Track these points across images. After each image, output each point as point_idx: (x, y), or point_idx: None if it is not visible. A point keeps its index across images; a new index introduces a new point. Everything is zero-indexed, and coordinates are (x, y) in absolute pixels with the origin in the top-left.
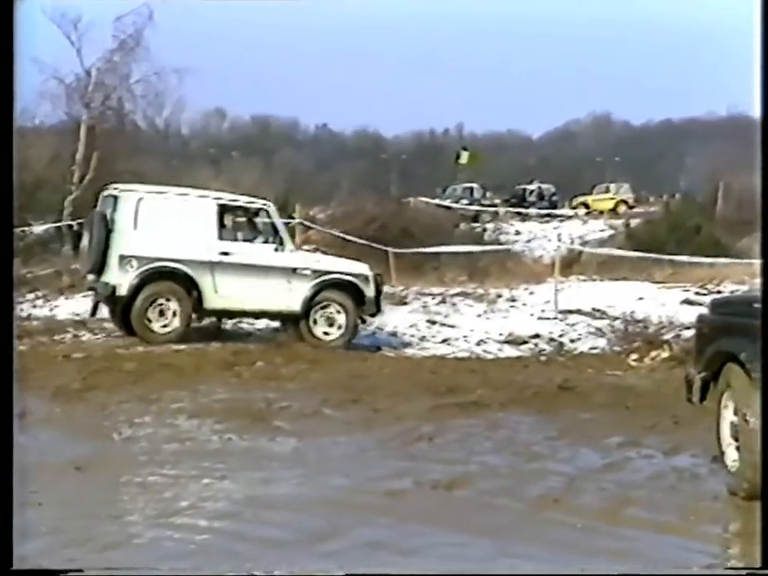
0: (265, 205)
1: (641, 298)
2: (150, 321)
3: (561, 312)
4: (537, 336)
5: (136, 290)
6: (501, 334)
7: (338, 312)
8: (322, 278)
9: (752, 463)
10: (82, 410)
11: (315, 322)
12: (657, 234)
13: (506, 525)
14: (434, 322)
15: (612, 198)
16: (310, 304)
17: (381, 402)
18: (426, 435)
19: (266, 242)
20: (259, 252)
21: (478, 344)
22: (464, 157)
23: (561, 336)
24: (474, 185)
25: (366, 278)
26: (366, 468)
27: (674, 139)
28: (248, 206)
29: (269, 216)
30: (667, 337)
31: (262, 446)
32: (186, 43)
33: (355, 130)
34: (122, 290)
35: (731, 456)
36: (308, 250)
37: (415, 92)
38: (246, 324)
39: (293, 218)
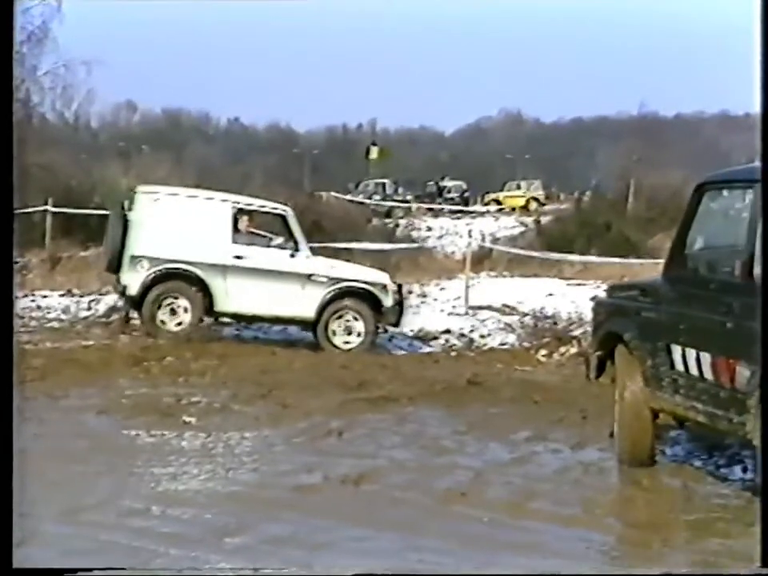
0: (283, 210)
1: (551, 295)
2: (163, 322)
3: (471, 308)
4: (447, 332)
5: (146, 291)
6: (411, 330)
7: (355, 319)
8: (338, 285)
9: (627, 435)
10: None
11: (334, 333)
12: (567, 231)
13: (413, 519)
14: None
15: (523, 195)
16: (324, 311)
17: (290, 397)
18: (335, 430)
19: (281, 247)
20: (274, 257)
21: (389, 339)
22: (373, 152)
23: (471, 332)
24: (387, 180)
25: (383, 287)
26: (274, 463)
27: (584, 137)
28: (264, 209)
29: (285, 221)
30: (576, 333)
31: (170, 441)
32: (96, 35)
33: (267, 124)
34: (132, 290)
35: (615, 428)
36: None
37: (328, 87)
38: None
39: None
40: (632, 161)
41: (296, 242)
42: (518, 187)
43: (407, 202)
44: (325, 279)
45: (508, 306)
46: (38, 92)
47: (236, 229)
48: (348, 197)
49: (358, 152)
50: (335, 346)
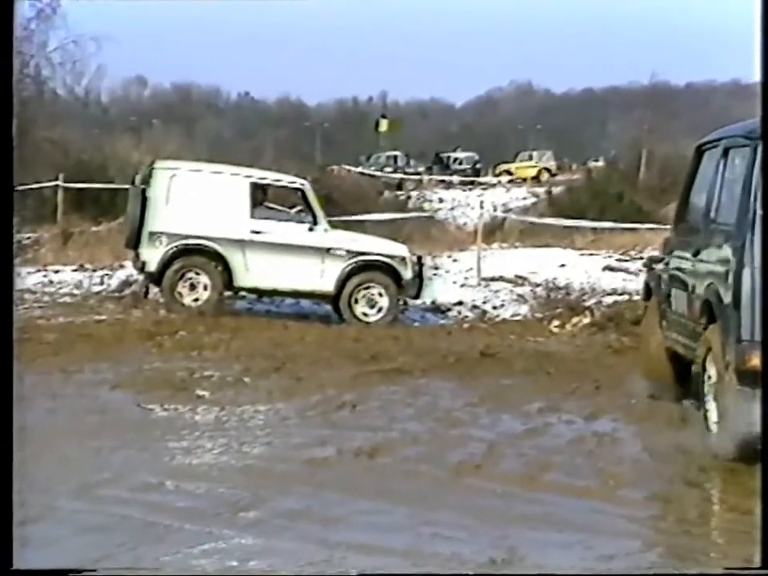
0: (301, 184)
1: (563, 265)
2: (181, 295)
3: (483, 279)
4: (460, 303)
5: (165, 267)
6: (423, 302)
7: (380, 295)
8: (356, 258)
9: (650, 375)
10: None
11: (356, 305)
12: (579, 201)
13: (427, 492)
14: None
15: (535, 166)
16: (345, 284)
17: (303, 370)
18: (349, 403)
19: (300, 221)
20: (292, 231)
21: (401, 312)
22: (383, 124)
23: (483, 303)
24: (398, 153)
25: (402, 260)
26: (287, 436)
27: (595, 107)
28: (282, 184)
29: (303, 195)
30: (589, 303)
31: (183, 415)
32: (105, 11)
33: (278, 98)
34: (151, 266)
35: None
36: None
37: (338, 60)
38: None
39: None
40: (643, 130)
41: (314, 216)
42: (530, 158)
43: (418, 174)
44: (344, 253)
45: (520, 277)
46: (48, 68)
47: (255, 203)
48: (359, 170)
49: (369, 125)
50: (358, 319)
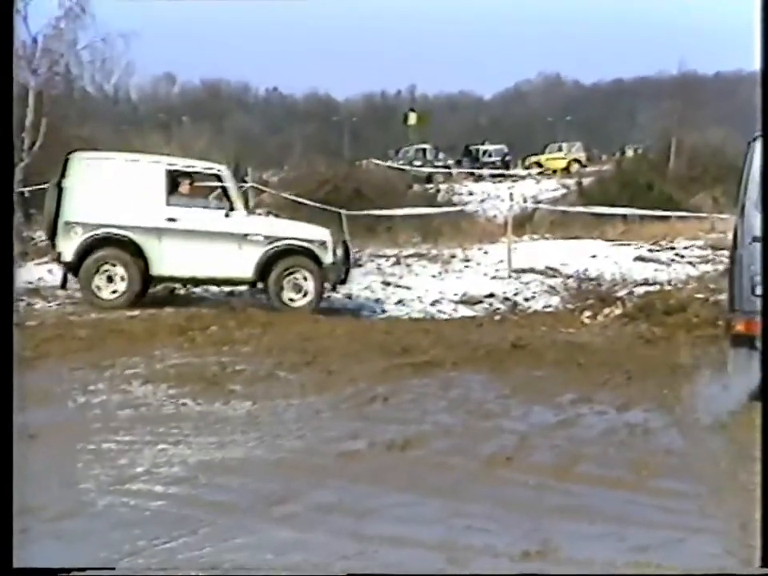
0: (217, 169)
1: (594, 256)
2: (99, 288)
3: (514, 271)
4: (491, 295)
5: (81, 257)
6: (455, 294)
7: (304, 279)
8: (275, 243)
9: None
10: (35, 378)
11: (282, 287)
12: (609, 192)
13: (459, 484)
14: (388, 284)
15: (564, 158)
16: (266, 270)
17: (334, 363)
18: (381, 396)
19: (217, 207)
20: (208, 218)
21: (432, 304)
22: (412, 118)
23: (515, 295)
24: (427, 146)
25: (322, 244)
26: (320, 430)
27: (625, 98)
28: (199, 170)
29: (221, 181)
30: (620, 294)
31: (216, 410)
32: (133, 8)
33: (306, 93)
34: (67, 257)
35: None
36: (260, 214)
37: (366, 54)
38: (200, 289)
39: (245, 181)
40: (672, 120)
41: (231, 202)
42: (559, 149)
43: (448, 167)
44: (261, 238)
45: (551, 269)
46: (78, 66)
47: (174, 191)
48: (388, 163)
49: (397, 119)
50: (286, 305)
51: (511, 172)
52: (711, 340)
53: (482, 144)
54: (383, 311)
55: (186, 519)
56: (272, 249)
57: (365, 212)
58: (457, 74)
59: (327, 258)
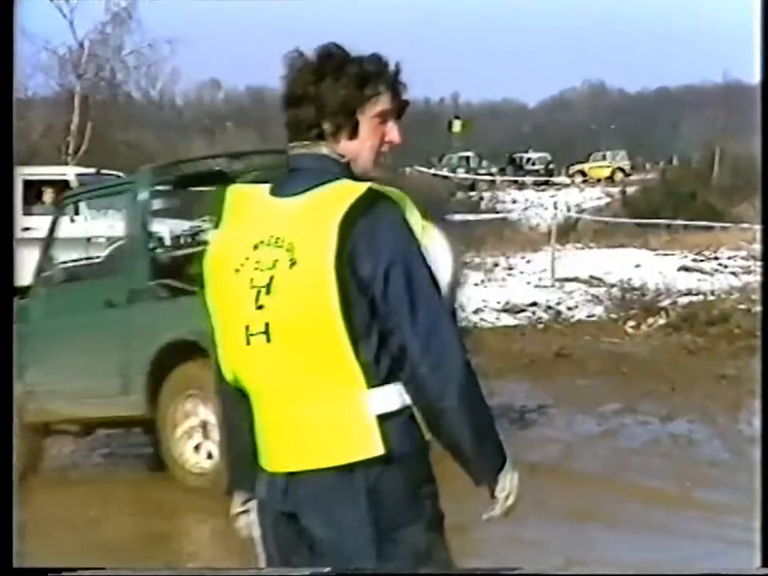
0: (63, 175)
1: (638, 265)
2: None
3: (558, 280)
4: (534, 304)
5: None
6: (498, 303)
7: None
8: (116, 244)
9: None
10: None
11: None
12: (653, 201)
13: None
14: None
15: (608, 166)
16: None
17: None
18: None
19: (62, 213)
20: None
21: (475, 312)
22: (456, 125)
23: (558, 304)
24: (470, 154)
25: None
26: None
27: (669, 106)
28: (50, 178)
29: (68, 186)
30: (664, 304)
31: None
32: (179, 14)
33: None
34: None
35: None
36: None
37: (409, 61)
38: None
39: None
40: (716, 129)
41: (76, 205)
42: (603, 158)
43: (491, 174)
44: (103, 240)
45: (595, 278)
46: (123, 71)
47: (28, 200)
48: (431, 171)
49: (441, 126)
50: None
51: (555, 180)
52: (753, 351)
53: (526, 152)
54: None
55: None
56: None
57: None
58: (500, 81)
59: None
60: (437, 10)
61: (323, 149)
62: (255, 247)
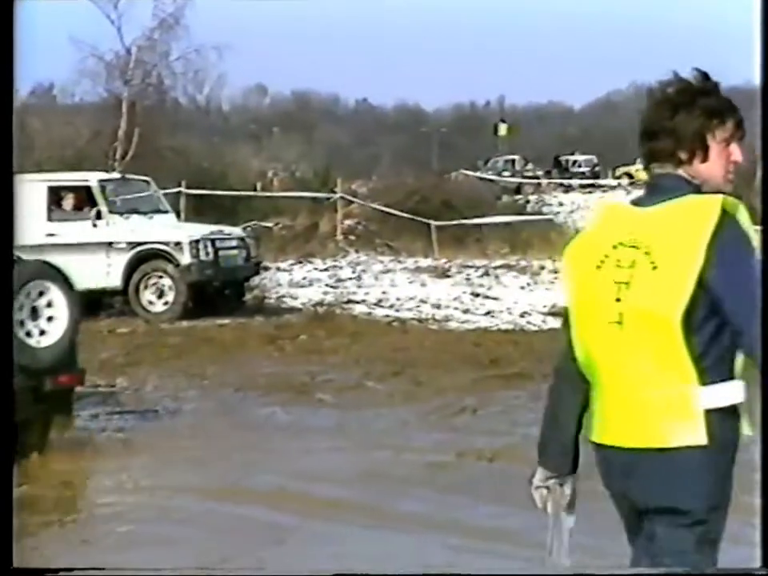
0: (86, 181)
1: None
2: None
3: None
4: None
5: None
6: (544, 306)
7: (163, 282)
8: (136, 249)
9: None
10: (126, 385)
11: (141, 297)
12: None
13: None
14: (477, 295)
15: None
16: (130, 277)
17: (423, 374)
18: (469, 407)
19: (84, 218)
20: (79, 229)
21: (521, 316)
22: (502, 129)
23: None
24: (516, 156)
25: (177, 245)
26: (408, 440)
27: None
28: (72, 184)
29: (89, 191)
30: None
31: (305, 418)
32: (226, 20)
33: (395, 104)
34: None
35: None
36: (350, 225)
37: (455, 65)
38: (289, 298)
39: (334, 192)
40: (757, 131)
41: (99, 212)
42: None
43: (537, 177)
44: (125, 245)
45: None
46: (170, 77)
47: (52, 206)
48: (477, 174)
49: (487, 129)
50: (147, 311)
51: (601, 182)
52: None
53: (572, 154)
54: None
55: (276, 527)
56: (134, 255)
57: (454, 222)
58: (546, 84)
59: (183, 259)
60: (484, 14)
61: (680, 171)
62: (615, 247)
